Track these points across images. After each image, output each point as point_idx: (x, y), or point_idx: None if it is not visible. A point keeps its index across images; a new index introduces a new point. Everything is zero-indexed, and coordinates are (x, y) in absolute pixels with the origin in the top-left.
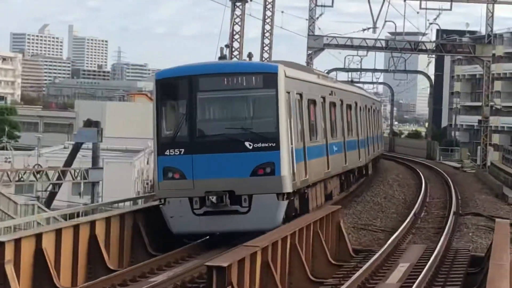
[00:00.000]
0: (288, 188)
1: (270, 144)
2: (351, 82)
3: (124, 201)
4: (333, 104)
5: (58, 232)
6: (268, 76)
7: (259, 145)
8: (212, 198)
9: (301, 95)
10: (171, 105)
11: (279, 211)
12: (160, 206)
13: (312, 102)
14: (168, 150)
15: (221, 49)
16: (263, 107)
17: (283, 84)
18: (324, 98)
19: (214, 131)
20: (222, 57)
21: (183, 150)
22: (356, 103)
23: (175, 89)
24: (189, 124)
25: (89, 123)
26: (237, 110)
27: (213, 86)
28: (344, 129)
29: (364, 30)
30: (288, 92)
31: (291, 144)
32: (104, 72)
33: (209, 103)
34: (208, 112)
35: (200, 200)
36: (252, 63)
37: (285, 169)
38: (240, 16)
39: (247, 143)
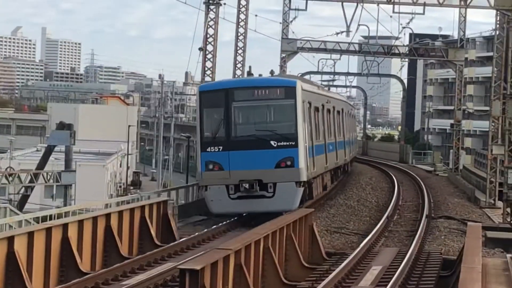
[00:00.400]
0: (304, 177)
1: (290, 143)
2: (328, 87)
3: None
4: (328, 110)
5: (30, 235)
6: (288, 89)
7: (282, 143)
8: (245, 185)
9: (310, 103)
10: (211, 112)
11: (297, 196)
12: (203, 192)
13: (316, 109)
14: (209, 148)
15: (249, 67)
16: (285, 114)
17: (300, 95)
18: (323, 105)
19: (246, 132)
20: (250, 73)
21: (221, 147)
22: (342, 109)
23: (215, 99)
24: (226, 127)
25: (61, 126)
26: (264, 115)
27: (244, 97)
28: (336, 131)
29: (337, 33)
30: (303, 101)
31: (306, 143)
32: (77, 74)
33: (242, 110)
34: (241, 117)
35: (234, 187)
36: (275, 79)
37: (302, 162)
38: (214, 19)
39: (272, 142)
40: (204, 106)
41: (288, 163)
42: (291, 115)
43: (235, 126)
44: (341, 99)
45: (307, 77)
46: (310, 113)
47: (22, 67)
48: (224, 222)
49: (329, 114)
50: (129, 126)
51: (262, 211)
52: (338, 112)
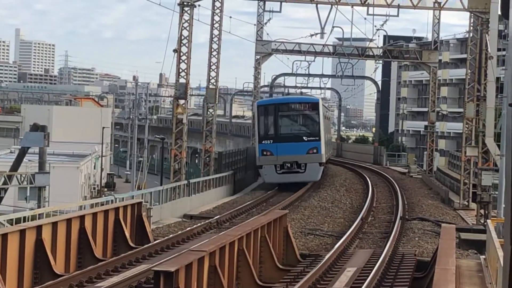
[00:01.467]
0: (324, 160)
1: (315, 138)
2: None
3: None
4: (327, 117)
5: (4, 237)
6: (314, 104)
7: (310, 138)
8: (287, 165)
9: (323, 112)
10: (265, 118)
11: (320, 171)
12: (259, 169)
13: (324, 116)
14: (264, 141)
15: (288, 91)
16: (312, 119)
17: (321, 108)
18: (325, 113)
19: (287, 131)
20: (289, 94)
21: (272, 140)
22: (330, 116)
23: (268, 110)
24: (274, 128)
25: (35, 128)
26: (299, 121)
27: (286, 109)
28: (329, 131)
29: (312, 35)
30: (322, 112)
31: (324, 138)
32: (51, 76)
33: (285, 117)
34: (284, 122)
35: (280, 166)
36: (305, 97)
37: (322, 150)
38: (188, 21)
39: (304, 137)
40: (260, 114)
41: (314, 151)
42: (316, 120)
43: (280, 127)
44: (328, 106)
45: (281, 79)
46: (324, 119)
47: None
48: (198, 224)
49: (327, 119)
50: (103, 127)
51: (297, 181)
52: (329, 118)
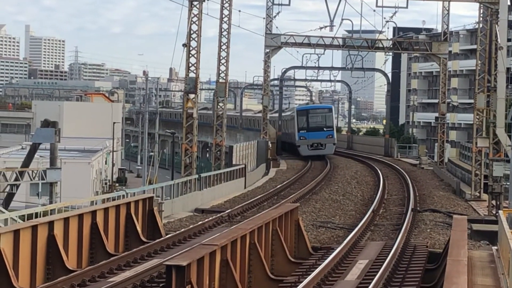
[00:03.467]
0: (335, 142)
1: (330, 129)
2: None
3: None
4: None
5: (16, 233)
6: (330, 109)
7: (328, 129)
8: (315, 145)
9: (334, 113)
10: (301, 118)
11: (333, 149)
12: (297, 148)
13: (335, 115)
14: (301, 131)
15: (313, 101)
16: (329, 118)
17: (334, 111)
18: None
19: (315, 125)
20: (314, 102)
21: (305, 130)
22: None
23: (303, 113)
24: (307, 123)
25: (46, 123)
26: (321, 119)
27: (314, 112)
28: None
29: (321, 28)
30: (334, 113)
31: (335, 130)
32: (61, 72)
33: (313, 117)
34: (313, 119)
35: (310, 145)
36: (324, 105)
37: (335, 136)
38: (197, 15)
39: (324, 128)
40: (298, 115)
41: (330, 136)
42: (331, 118)
43: (310, 122)
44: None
45: (291, 72)
46: (334, 117)
47: (6, 65)
48: (210, 218)
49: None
50: (114, 123)
51: (320, 154)
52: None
